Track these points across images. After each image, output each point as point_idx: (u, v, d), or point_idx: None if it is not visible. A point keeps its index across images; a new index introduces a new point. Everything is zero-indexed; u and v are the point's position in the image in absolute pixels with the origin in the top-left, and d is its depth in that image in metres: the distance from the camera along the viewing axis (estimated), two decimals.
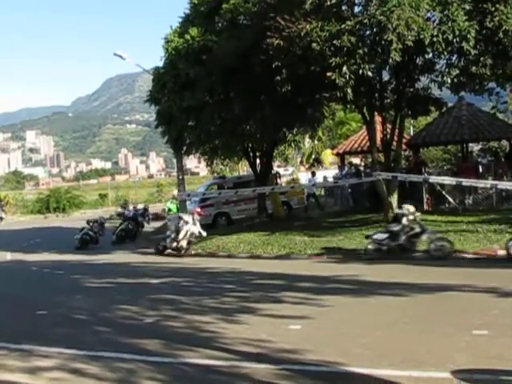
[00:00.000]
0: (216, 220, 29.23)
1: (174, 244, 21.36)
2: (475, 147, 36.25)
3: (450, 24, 16.43)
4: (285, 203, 29.39)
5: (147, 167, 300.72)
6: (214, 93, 22.50)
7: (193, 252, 21.47)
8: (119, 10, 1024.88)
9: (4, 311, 11.78)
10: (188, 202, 29.72)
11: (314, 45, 16.83)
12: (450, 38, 16.50)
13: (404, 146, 24.87)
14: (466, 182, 20.02)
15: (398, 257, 15.63)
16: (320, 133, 45.09)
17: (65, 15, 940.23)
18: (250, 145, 27.70)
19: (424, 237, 15.87)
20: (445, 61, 18.23)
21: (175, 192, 48.03)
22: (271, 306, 10.34)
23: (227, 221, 29.13)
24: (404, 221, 16.10)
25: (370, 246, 16.48)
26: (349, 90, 17.15)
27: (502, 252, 15.04)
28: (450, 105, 23.67)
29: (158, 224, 34.82)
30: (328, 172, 38.36)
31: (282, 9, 18.26)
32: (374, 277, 13.11)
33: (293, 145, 33.22)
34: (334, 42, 16.57)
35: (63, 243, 28.52)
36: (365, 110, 21.26)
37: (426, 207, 22.74)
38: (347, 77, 16.68)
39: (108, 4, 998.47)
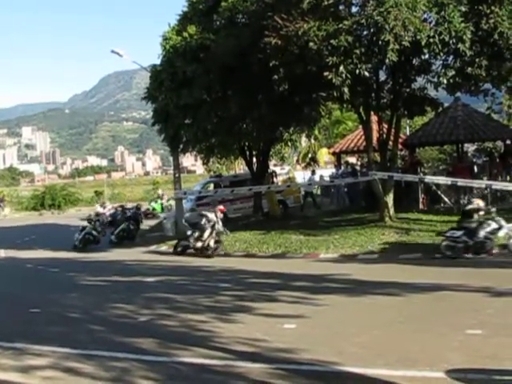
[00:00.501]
0: None
1: (199, 243, 20.22)
2: (470, 147, 36.33)
3: (446, 25, 16.49)
4: (281, 202, 29.42)
5: (143, 165, 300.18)
6: (211, 91, 22.47)
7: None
8: (117, 8, 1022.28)
9: None
10: (184, 201, 29.73)
11: (311, 44, 16.86)
12: (446, 39, 16.56)
13: (400, 146, 24.91)
14: (461, 181, 20.08)
15: (476, 253, 15.20)
16: (316, 132, 45.06)
17: (62, 13, 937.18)
18: (247, 143, 27.68)
19: (501, 232, 15.36)
20: (441, 62, 18.29)
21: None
22: (266, 305, 10.36)
23: (223, 219, 29.08)
24: (477, 216, 15.77)
25: (443, 244, 15.78)
26: (345, 90, 17.19)
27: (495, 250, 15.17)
28: (445, 105, 23.72)
29: (151, 222, 34.57)
30: (324, 171, 38.35)
31: (279, 8, 18.28)
32: (368, 276, 13.17)
33: (289, 144, 33.26)
34: (331, 41, 16.60)
35: (58, 240, 28.45)
36: (361, 110, 21.31)
37: (421, 207, 22.83)
38: (344, 76, 16.71)
39: (106, 1, 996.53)
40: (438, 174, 25.60)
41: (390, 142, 21.64)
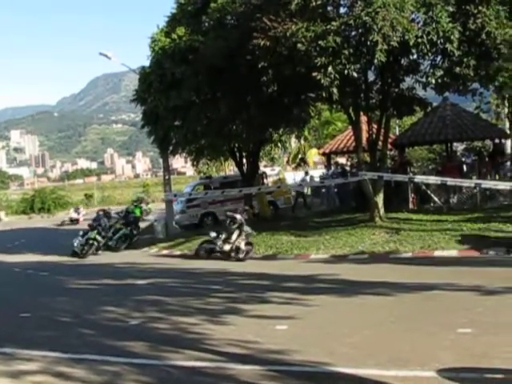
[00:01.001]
0: (202, 220, 29.19)
1: (227, 246, 19.06)
2: (459, 147, 36.48)
3: (434, 25, 16.58)
4: (271, 203, 29.42)
5: (133, 167, 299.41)
6: (200, 93, 22.44)
7: (178, 252, 21.01)
8: (106, 9, 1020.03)
9: None
10: (174, 203, 29.71)
11: (299, 45, 16.87)
12: (434, 39, 16.65)
13: (390, 146, 24.97)
14: (450, 181, 20.16)
15: None
16: (306, 133, 45.07)
17: (51, 14, 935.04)
18: (237, 145, 27.64)
19: None
20: (429, 61, 18.41)
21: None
22: (257, 307, 10.35)
23: (214, 221, 29.09)
24: None
25: None
26: (334, 90, 17.21)
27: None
28: (434, 105, 23.83)
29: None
30: (314, 172, 38.41)
31: (267, 9, 18.27)
32: (359, 276, 13.18)
33: (279, 145, 33.27)
34: (320, 42, 16.61)
35: (48, 244, 28.37)
36: (351, 110, 21.33)
37: (411, 206, 22.89)
38: (332, 77, 16.73)
39: (95, 3, 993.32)
40: (427, 174, 25.72)
41: (380, 142, 21.71)
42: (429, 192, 23.12)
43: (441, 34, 16.58)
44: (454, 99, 25.23)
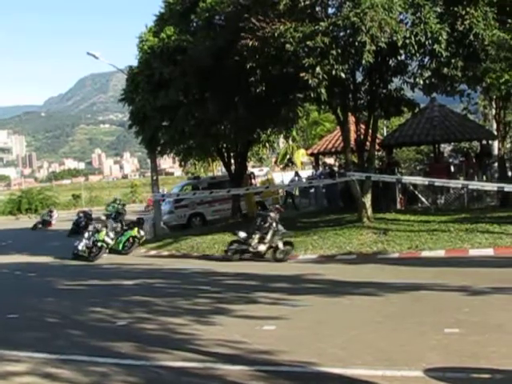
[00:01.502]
0: (190, 221, 29.15)
1: (262, 247, 17.92)
2: (447, 148, 36.70)
3: (422, 26, 16.64)
4: (259, 203, 29.42)
5: (121, 167, 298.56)
6: (188, 93, 22.41)
7: (166, 253, 20.88)
8: (93, 9, 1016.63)
9: None
10: (163, 203, 29.65)
11: (287, 45, 16.86)
12: (423, 40, 16.71)
13: (377, 147, 25.04)
14: (438, 182, 20.23)
15: None
16: (294, 133, 45.15)
17: (37, 14, 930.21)
18: (225, 145, 27.65)
19: None
20: (417, 62, 18.47)
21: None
22: (245, 307, 10.34)
23: (202, 221, 29.07)
24: None
25: None
26: (322, 91, 17.21)
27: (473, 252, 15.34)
28: (422, 106, 23.90)
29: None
30: (302, 172, 38.46)
31: (256, 10, 18.25)
32: (347, 277, 13.20)
33: (267, 145, 33.26)
34: (308, 42, 16.60)
35: (35, 245, 28.21)
36: (339, 111, 21.34)
37: (399, 207, 22.96)
38: (320, 77, 16.72)
39: (82, 2, 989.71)
40: (415, 175, 25.85)
41: (368, 143, 21.74)
42: (416, 193, 23.23)
43: (429, 34, 16.64)
44: (442, 100, 25.36)
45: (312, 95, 18.03)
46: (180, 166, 39.84)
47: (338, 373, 6.42)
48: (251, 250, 18.04)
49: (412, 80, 18.60)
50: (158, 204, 28.55)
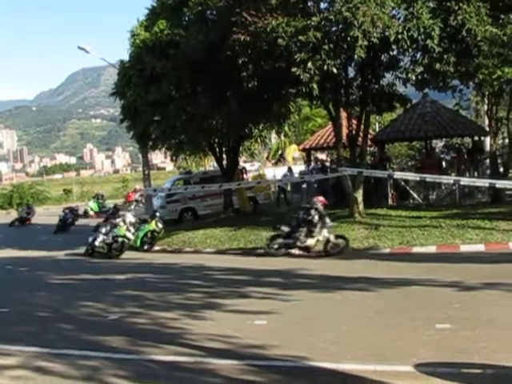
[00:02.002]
0: (182, 215, 29.07)
1: (310, 241, 17.00)
2: (439, 143, 36.73)
3: (414, 21, 16.66)
4: (251, 198, 29.40)
5: (113, 162, 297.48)
6: (180, 87, 22.35)
7: (158, 247, 20.80)
8: (84, 3, 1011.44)
9: None
10: (154, 198, 29.57)
11: (279, 40, 16.86)
12: (415, 35, 16.74)
13: (369, 142, 25.06)
14: (429, 177, 20.26)
15: None
16: (286, 128, 45.09)
17: (28, 9, 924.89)
18: (216, 140, 27.57)
19: None
20: (409, 58, 18.51)
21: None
22: (237, 302, 10.33)
23: (193, 216, 29.01)
24: None
25: None
26: (314, 86, 17.22)
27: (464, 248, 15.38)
28: (414, 101, 23.93)
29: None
30: (294, 168, 38.43)
31: (248, 4, 18.21)
32: (339, 272, 13.23)
33: (259, 140, 33.17)
34: (300, 37, 16.60)
35: (26, 239, 28.08)
36: (330, 106, 21.34)
37: (390, 202, 23.02)
38: (312, 72, 16.73)
39: None
40: (406, 170, 25.89)
41: (360, 138, 21.76)
42: (408, 188, 23.28)
43: (421, 30, 16.68)
44: (434, 96, 25.36)
45: (304, 90, 18.04)
46: (172, 160, 39.69)
47: (329, 367, 6.42)
48: (299, 244, 17.11)
49: (404, 75, 18.59)
50: (149, 199, 28.47)
